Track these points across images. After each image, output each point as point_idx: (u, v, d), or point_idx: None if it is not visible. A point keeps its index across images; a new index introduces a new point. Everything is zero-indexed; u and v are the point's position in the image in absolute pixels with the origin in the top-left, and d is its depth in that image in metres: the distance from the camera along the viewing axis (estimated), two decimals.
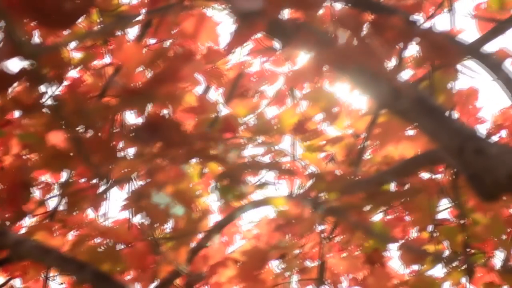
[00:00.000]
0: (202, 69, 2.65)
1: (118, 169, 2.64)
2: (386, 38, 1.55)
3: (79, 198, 2.47)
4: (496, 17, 2.75)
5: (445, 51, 1.33)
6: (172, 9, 1.76)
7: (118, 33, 3.16)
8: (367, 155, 2.71)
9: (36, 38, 2.83)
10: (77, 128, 1.24)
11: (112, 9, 2.78)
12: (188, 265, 2.15)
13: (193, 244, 2.32)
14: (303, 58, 3.16)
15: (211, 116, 2.64)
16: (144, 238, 2.01)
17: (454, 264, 2.53)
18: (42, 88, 1.21)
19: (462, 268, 2.48)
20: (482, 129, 3.91)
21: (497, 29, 2.68)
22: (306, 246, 2.63)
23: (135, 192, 1.52)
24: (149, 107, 1.29)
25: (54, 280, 2.93)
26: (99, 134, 1.31)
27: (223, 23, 2.96)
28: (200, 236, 2.33)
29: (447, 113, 1.31)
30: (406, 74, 2.81)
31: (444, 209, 2.89)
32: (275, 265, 2.55)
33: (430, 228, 2.78)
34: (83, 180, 2.64)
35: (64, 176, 2.57)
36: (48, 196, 2.82)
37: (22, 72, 1.10)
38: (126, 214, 3.05)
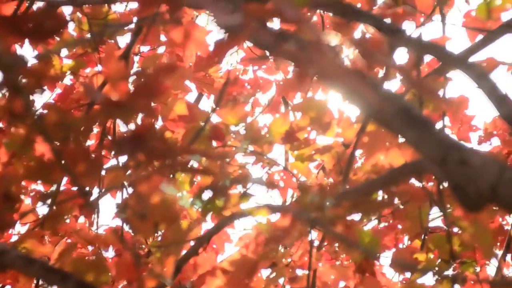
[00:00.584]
0: (189, 78, 2.64)
1: (107, 179, 2.65)
2: (372, 48, 1.56)
3: (69, 207, 2.47)
4: (485, 26, 2.76)
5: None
6: (160, 17, 1.76)
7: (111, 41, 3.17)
8: (357, 164, 2.71)
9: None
10: (58, 139, 1.24)
11: (101, 18, 2.78)
12: (176, 275, 2.14)
13: (183, 253, 2.32)
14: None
15: (200, 125, 2.63)
16: (129, 249, 2.00)
17: (445, 273, 2.53)
18: (27, 98, 1.20)
19: (452, 276, 2.47)
20: (474, 137, 3.94)
21: (487, 39, 2.68)
22: (296, 255, 2.63)
23: (121, 203, 1.51)
24: (134, 118, 1.29)
25: None
26: (82, 145, 1.30)
27: (213, 32, 2.97)
28: (190, 244, 2.33)
29: (430, 123, 1.30)
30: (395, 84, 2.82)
31: (437, 217, 2.90)
32: (265, 274, 2.54)
33: (422, 236, 2.78)
34: (74, 188, 2.64)
35: (55, 184, 2.57)
36: (39, 204, 2.82)
37: (2, 84, 1.10)
38: (119, 222, 3.07)
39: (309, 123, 2.69)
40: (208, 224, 3.02)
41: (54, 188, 2.94)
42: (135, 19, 2.82)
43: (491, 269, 3.18)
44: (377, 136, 2.51)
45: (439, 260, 2.74)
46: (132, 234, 2.58)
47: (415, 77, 2.24)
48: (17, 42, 2.51)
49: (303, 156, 2.78)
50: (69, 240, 2.73)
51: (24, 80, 1.23)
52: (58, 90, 3.52)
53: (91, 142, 3.97)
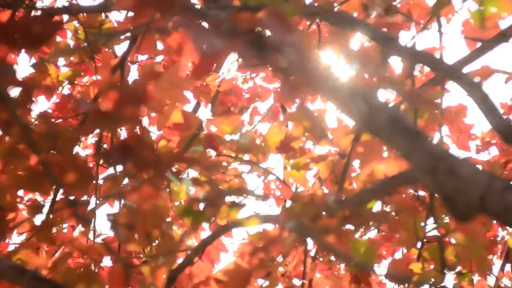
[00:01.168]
0: (185, 87, 2.63)
1: (104, 188, 2.64)
2: (367, 57, 1.56)
3: (63, 216, 2.46)
4: (482, 35, 2.75)
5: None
6: (154, 25, 1.75)
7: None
8: (352, 173, 2.71)
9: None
10: (46, 149, 1.23)
11: (96, 26, 2.78)
12: (171, 285, 2.13)
13: (177, 263, 2.31)
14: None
15: (195, 133, 2.63)
16: (120, 259, 2.00)
17: (440, 285, 2.52)
18: (14, 108, 1.20)
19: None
20: (473, 146, 3.93)
21: (484, 48, 2.68)
22: (291, 265, 2.62)
23: (111, 214, 1.50)
24: (120, 128, 1.29)
25: None
26: (71, 155, 1.30)
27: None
28: (184, 254, 2.32)
29: (420, 133, 1.29)
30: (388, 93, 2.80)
31: (435, 227, 2.88)
32: (259, 284, 2.53)
33: (418, 246, 2.77)
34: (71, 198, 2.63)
35: (47, 194, 2.57)
36: (35, 213, 2.81)
37: None
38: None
39: (303, 132, 2.68)
40: (205, 233, 3.02)
41: (51, 197, 2.95)
42: (130, 27, 2.81)
43: (491, 280, 3.18)
44: (372, 145, 2.51)
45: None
46: (123, 244, 2.57)
47: (408, 88, 2.24)
48: (11, 50, 2.50)
49: (299, 165, 2.78)
50: (61, 251, 2.72)
51: (12, 90, 1.23)
52: (55, 99, 3.52)
53: (88, 152, 3.98)
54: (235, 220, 1.64)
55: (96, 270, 2.52)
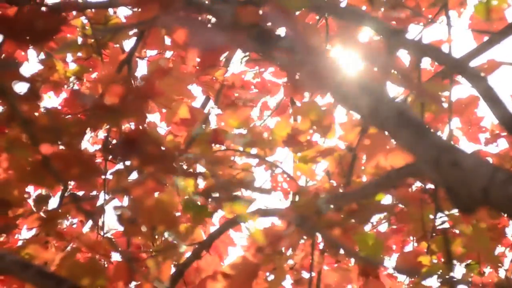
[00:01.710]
0: (192, 82, 2.64)
1: (112, 183, 2.65)
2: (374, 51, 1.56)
3: (69, 210, 2.47)
4: (490, 27, 2.75)
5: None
6: (160, 21, 1.76)
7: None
8: (360, 166, 2.70)
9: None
10: (49, 144, 1.24)
11: (103, 22, 2.78)
12: (179, 279, 2.14)
13: (184, 258, 2.32)
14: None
15: (199, 128, 2.63)
16: (124, 253, 2.00)
17: (447, 276, 2.51)
18: (14, 102, 1.20)
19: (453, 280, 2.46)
20: (482, 139, 3.91)
21: (491, 40, 2.68)
22: (298, 257, 2.62)
23: (117, 208, 1.51)
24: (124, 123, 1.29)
25: None
26: (74, 149, 1.30)
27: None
28: (192, 249, 2.33)
29: (424, 125, 1.29)
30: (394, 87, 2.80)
31: (442, 220, 2.87)
32: (266, 278, 2.53)
33: (428, 238, 2.77)
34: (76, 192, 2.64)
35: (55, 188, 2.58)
36: (41, 206, 2.82)
37: None
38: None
39: (310, 126, 2.68)
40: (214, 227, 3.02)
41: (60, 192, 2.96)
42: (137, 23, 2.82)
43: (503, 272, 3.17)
44: (378, 138, 2.51)
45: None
46: (128, 238, 2.57)
47: (415, 81, 2.24)
48: (18, 46, 2.51)
49: (306, 158, 2.78)
50: (70, 246, 2.73)
51: (16, 85, 1.23)
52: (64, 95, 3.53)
53: (98, 147, 3.99)
54: (242, 214, 1.64)
55: (106, 265, 2.53)
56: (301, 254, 2.59)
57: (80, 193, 2.74)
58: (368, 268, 2.75)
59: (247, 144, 2.65)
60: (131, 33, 2.86)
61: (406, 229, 2.84)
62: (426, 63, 3.35)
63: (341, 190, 2.30)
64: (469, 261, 2.66)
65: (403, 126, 1.29)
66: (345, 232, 1.77)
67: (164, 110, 3.37)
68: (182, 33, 2.65)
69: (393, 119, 1.31)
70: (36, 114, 1.39)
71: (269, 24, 1.53)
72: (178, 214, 2.47)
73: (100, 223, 2.94)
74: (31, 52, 3.33)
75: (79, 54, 3.26)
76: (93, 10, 2.98)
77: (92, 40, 2.96)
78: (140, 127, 1.37)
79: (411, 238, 3.00)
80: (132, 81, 1.19)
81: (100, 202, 2.78)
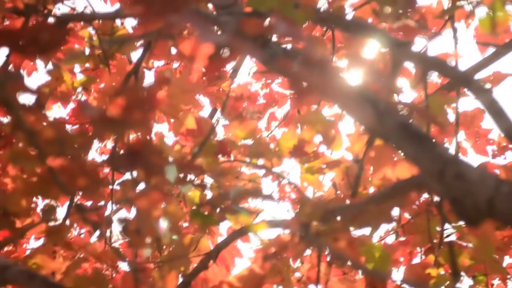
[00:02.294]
0: (199, 92, 2.64)
1: (119, 194, 2.65)
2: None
3: (76, 221, 2.47)
4: (496, 40, 2.75)
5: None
6: (165, 31, 1.77)
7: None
8: (367, 178, 2.70)
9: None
10: (54, 155, 1.24)
11: (110, 33, 2.79)
12: None
13: (191, 268, 2.32)
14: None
15: (206, 139, 2.64)
16: (129, 263, 2.00)
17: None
18: (19, 114, 1.20)
19: None
20: (490, 151, 3.90)
21: (497, 53, 2.68)
22: (304, 268, 2.62)
23: (121, 219, 1.51)
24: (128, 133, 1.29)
25: None
26: (80, 160, 1.30)
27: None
28: (199, 259, 2.33)
29: (428, 138, 1.29)
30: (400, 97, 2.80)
31: (453, 232, 2.87)
32: None
33: (435, 250, 2.76)
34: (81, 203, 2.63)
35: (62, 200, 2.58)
36: (47, 217, 2.82)
37: None
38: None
39: (314, 135, 2.68)
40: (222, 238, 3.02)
41: (67, 202, 2.96)
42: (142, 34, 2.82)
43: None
44: (385, 150, 2.51)
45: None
46: (132, 249, 2.57)
47: (415, 103, 2.23)
48: (25, 58, 2.52)
49: (313, 169, 2.78)
50: (77, 256, 2.73)
51: (21, 96, 1.24)
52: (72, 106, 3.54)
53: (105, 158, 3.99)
54: (248, 225, 1.64)
55: (114, 275, 2.54)
56: (308, 265, 2.59)
57: (88, 203, 2.74)
58: (376, 280, 2.75)
59: (254, 155, 2.65)
60: (138, 44, 2.87)
61: (412, 241, 2.83)
62: (434, 75, 3.35)
63: (347, 201, 2.29)
64: (476, 273, 2.65)
65: (407, 138, 1.29)
66: (350, 243, 1.77)
67: (172, 120, 3.37)
68: (187, 44, 2.65)
69: (397, 131, 1.31)
70: (43, 124, 1.39)
71: (274, 35, 1.53)
72: (185, 224, 2.48)
73: (107, 233, 2.94)
74: (39, 63, 3.34)
75: (87, 65, 3.28)
76: (100, 21, 3.00)
77: (100, 51, 2.96)
78: (145, 137, 1.37)
79: (419, 249, 3.00)
80: (139, 92, 1.20)
81: (107, 212, 2.79)
